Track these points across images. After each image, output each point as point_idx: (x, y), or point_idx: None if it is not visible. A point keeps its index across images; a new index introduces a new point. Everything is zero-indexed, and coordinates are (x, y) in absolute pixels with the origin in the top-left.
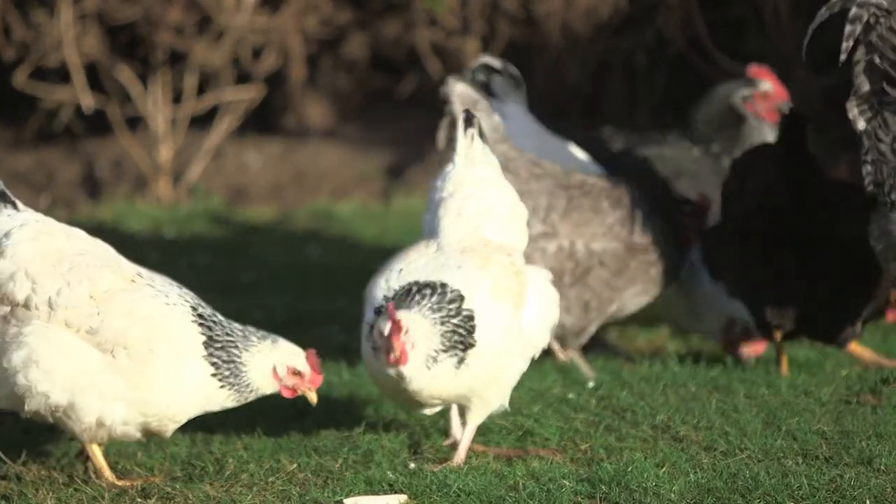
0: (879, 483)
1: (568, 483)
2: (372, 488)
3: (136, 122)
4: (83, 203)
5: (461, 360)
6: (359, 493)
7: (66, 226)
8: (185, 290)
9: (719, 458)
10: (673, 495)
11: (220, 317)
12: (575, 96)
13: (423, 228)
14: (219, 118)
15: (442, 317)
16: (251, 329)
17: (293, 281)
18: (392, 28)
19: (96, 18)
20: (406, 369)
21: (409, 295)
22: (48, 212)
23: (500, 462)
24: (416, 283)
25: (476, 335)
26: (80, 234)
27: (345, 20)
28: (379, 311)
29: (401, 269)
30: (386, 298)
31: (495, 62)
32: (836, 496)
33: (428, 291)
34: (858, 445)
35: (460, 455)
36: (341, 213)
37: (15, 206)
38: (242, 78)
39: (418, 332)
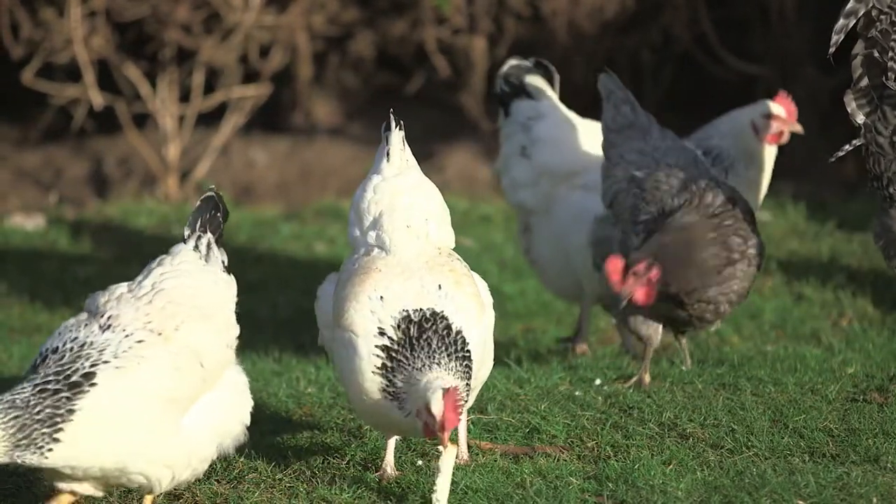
0: (886, 481)
1: (575, 480)
2: (379, 485)
3: (143, 120)
4: (91, 201)
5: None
6: (365, 490)
7: None
8: None
9: (726, 456)
10: (680, 493)
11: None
12: (581, 94)
13: (353, 241)
14: (226, 116)
15: (461, 368)
16: None
17: (300, 278)
18: (399, 26)
19: (104, 16)
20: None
21: (422, 341)
22: (56, 210)
23: (506, 459)
24: (414, 312)
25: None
26: None
27: (352, 18)
28: (385, 350)
29: (381, 297)
30: (381, 332)
31: (525, 61)
32: (842, 494)
33: (437, 337)
34: (865, 443)
35: (462, 450)
36: (348, 210)
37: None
38: (250, 76)
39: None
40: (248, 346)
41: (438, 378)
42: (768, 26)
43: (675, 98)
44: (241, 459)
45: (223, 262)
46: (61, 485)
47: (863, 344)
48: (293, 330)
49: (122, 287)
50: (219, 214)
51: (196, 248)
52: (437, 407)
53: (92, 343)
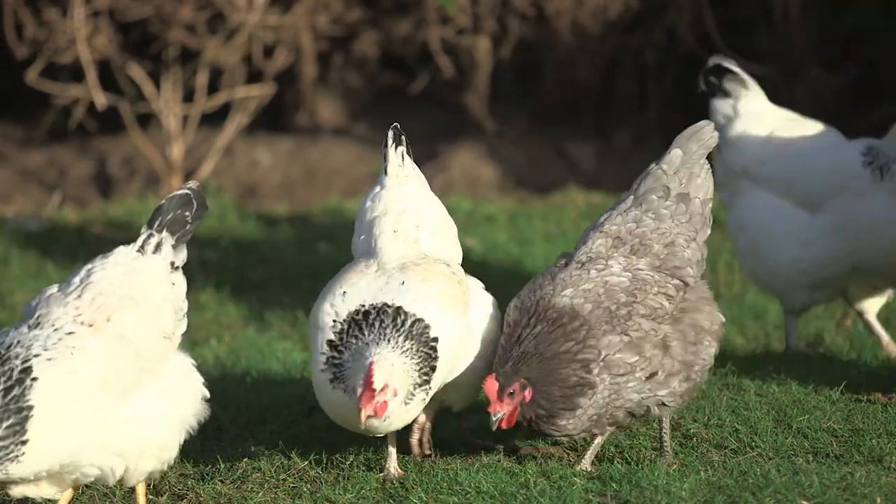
0: (890, 481)
1: (579, 481)
2: (383, 486)
3: (147, 120)
4: (95, 200)
5: (427, 385)
6: (369, 490)
7: None
8: None
9: (730, 456)
10: (683, 493)
11: None
12: (585, 94)
13: (353, 251)
14: (230, 116)
15: (414, 348)
16: None
17: (304, 279)
18: (403, 26)
19: (108, 16)
20: (384, 416)
21: (371, 322)
22: (59, 209)
23: (511, 460)
24: (370, 306)
25: (438, 354)
26: None
27: (356, 18)
28: (333, 345)
29: (344, 292)
30: (336, 325)
31: (727, 62)
32: (846, 494)
33: (388, 319)
34: (869, 443)
35: (415, 450)
36: (352, 210)
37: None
38: (254, 76)
39: (398, 377)
40: (253, 345)
41: (378, 354)
42: (772, 26)
43: (679, 98)
44: (245, 459)
45: (173, 263)
46: (14, 490)
47: (866, 344)
48: (298, 330)
49: (53, 287)
50: (188, 213)
51: (141, 248)
52: (359, 380)
53: (19, 342)
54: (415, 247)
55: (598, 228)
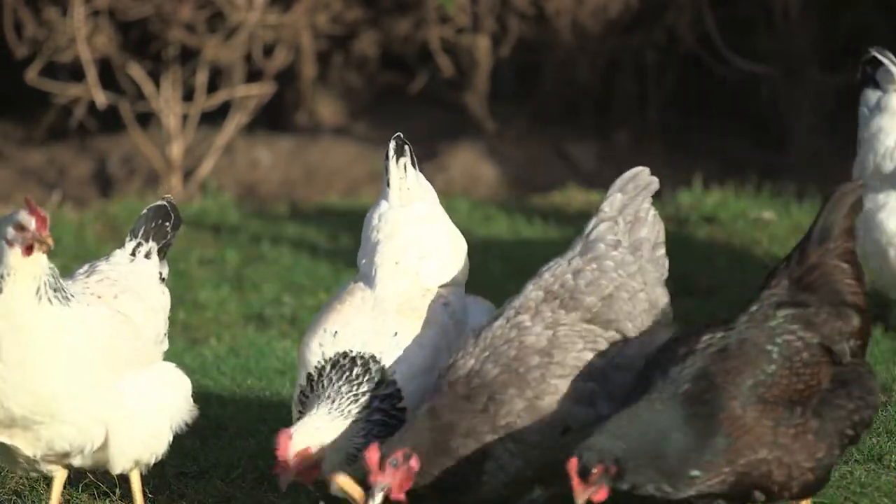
0: (889, 479)
1: None
2: None
3: (147, 119)
4: (95, 199)
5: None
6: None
7: None
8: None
9: None
10: None
11: None
12: (585, 94)
13: (357, 264)
14: (230, 115)
15: (370, 408)
16: None
17: (304, 278)
18: (403, 25)
19: (108, 15)
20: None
21: (343, 371)
22: (57, 208)
23: None
24: (346, 356)
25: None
26: None
27: (356, 17)
28: (310, 380)
29: (335, 332)
30: (319, 364)
31: (880, 54)
32: (846, 493)
33: (361, 376)
34: (869, 442)
35: None
36: (352, 210)
37: None
38: (253, 75)
39: (324, 440)
40: (253, 345)
41: (306, 419)
42: (772, 26)
43: (679, 98)
44: (245, 459)
45: (160, 274)
46: None
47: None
48: (297, 329)
49: None
50: (167, 224)
51: (132, 255)
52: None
53: None
54: (416, 280)
55: (539, 275)
